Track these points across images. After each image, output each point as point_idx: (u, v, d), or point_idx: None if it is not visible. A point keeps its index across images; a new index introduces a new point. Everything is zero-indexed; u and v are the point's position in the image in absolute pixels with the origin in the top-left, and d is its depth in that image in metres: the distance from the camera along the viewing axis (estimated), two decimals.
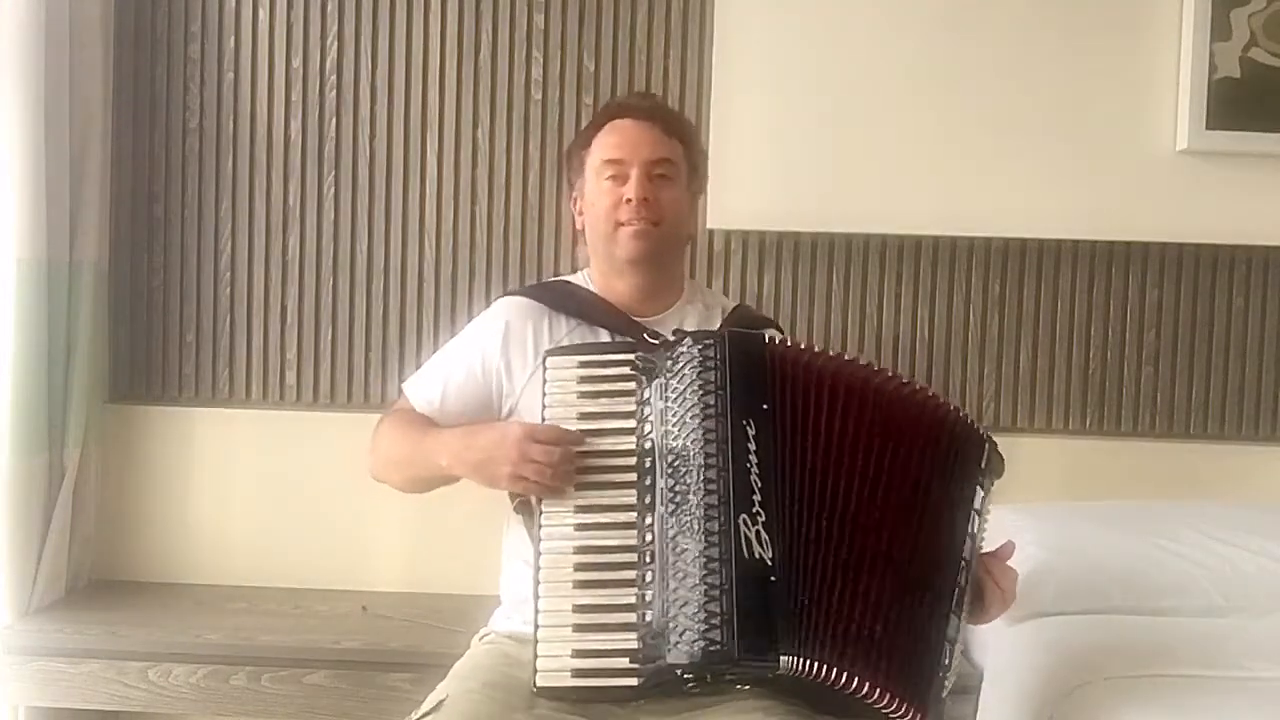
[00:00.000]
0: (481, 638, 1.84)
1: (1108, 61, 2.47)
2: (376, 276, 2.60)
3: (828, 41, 2.48)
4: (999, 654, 2.04)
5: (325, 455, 2.55)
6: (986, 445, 1.65)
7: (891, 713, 1.51)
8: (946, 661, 1.55)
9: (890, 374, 1.65)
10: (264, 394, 2.62)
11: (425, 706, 1.61)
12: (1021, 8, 2.47)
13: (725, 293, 2.52)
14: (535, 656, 1.53)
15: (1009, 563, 1.67)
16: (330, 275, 2.60)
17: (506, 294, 1.93)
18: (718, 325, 1.85)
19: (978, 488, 1.63)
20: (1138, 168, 2.48)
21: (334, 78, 2.58)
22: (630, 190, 1.78)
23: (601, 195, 1.81)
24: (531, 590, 1.57)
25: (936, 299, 2.56)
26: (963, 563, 1.59)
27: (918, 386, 1.66)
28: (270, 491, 2.58)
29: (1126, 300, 2.56)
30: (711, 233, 2.54)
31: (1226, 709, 1.72)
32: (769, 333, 1.84)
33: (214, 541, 2.58)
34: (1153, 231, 2.51)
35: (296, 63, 2.58)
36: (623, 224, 1.79)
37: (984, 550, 1.65)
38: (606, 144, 1.82)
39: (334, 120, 2.58)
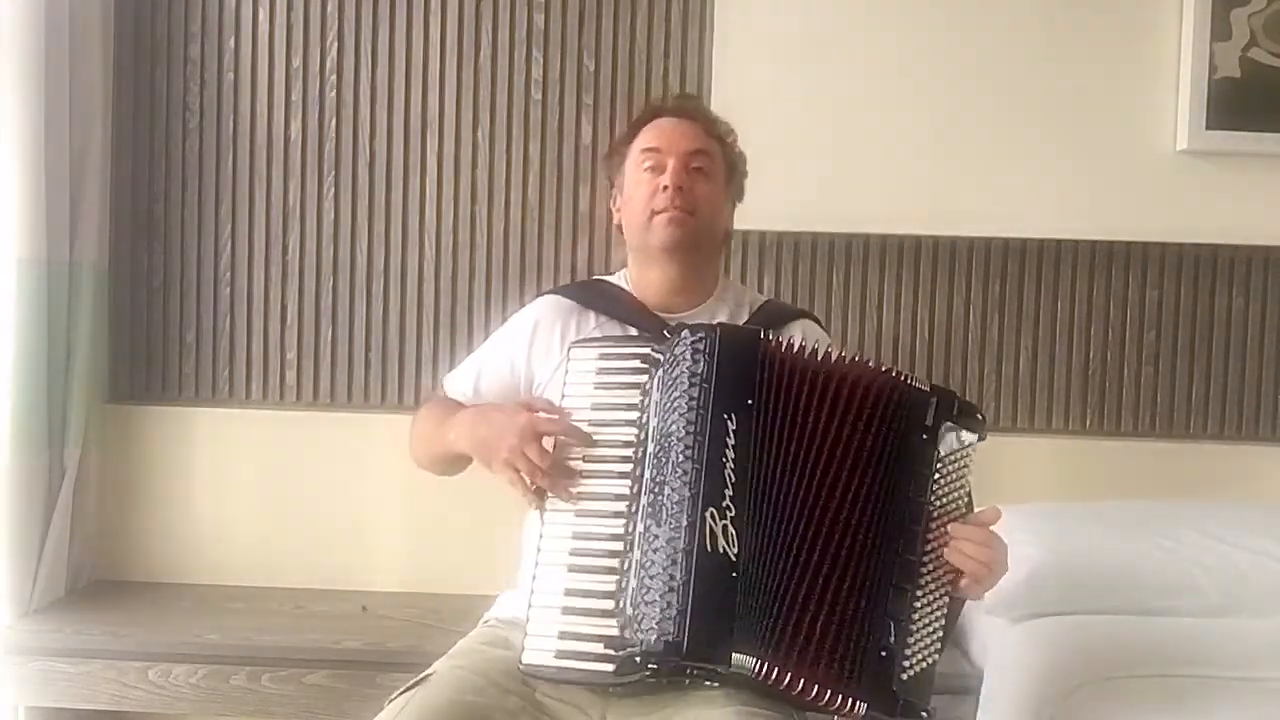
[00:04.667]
0: (485, 623, 1.85)
1: (1108, 61, 2.47)
2: (376, 277, 2.60)
3: (828, 42, 2.48)
4: (999, 654, 2.04)
5: (325, 455, 2.55)
6: (933, 400, 1.60)
7: (835, 710, 1.51)
8: (891, 640, 1.51)
9: (883, 368, 1.63)
10: (264, 394, 2.62)
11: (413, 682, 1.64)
12: (1021, 8, 2.47)
13: None
14: (525, 635, 1.57)
15: (997, 532, 1.58)
16: (330, 275, 2.60)
17: (544, 292, 1.99)
18: (744, 320, 1.86)
19: (931, 450, 1.59)
20: (1138, 168, 2.48)
21: (334, 78, 2.58)
22: (667, 178, 1.82)
23: (639, 185, 1.86)
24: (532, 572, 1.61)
25: (936, 299, 2.56)
26: (913, 532, 1.55)
27: (885, 369, 1.62)
28: (270, 491, 2.58)
29: (1126, 300, 2.56)
30: None
31: (1226, 709, 1.72)
32: (795, 330, 1.86)
33: (214, 541, 2.58)
34: (1153, 231, 2.51)
35: (296, 63, 2.58)
36: (658, 212, 1.82)
37: (963, 519, 1.59)
38: (646, 135, 1.89)
39: (334, 120, 2.58)
